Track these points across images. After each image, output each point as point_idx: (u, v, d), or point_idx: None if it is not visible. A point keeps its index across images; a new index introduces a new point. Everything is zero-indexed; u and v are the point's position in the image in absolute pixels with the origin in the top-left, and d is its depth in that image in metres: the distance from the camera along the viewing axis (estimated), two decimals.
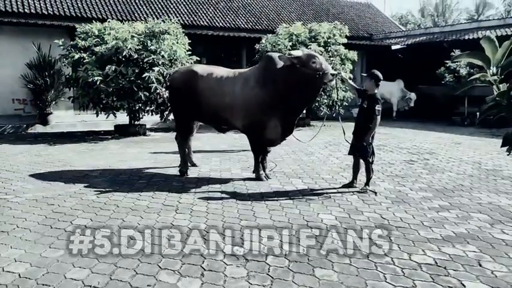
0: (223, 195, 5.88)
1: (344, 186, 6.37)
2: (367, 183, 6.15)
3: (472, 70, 15.10)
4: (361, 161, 6.21)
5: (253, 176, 6.93)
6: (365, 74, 6.22)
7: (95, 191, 6.06)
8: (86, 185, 6.43)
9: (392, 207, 5.35)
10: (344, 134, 6.38)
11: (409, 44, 19.81)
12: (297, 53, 6.33)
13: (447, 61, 15.56)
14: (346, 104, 15.46)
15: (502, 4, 43.41)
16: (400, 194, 6.03)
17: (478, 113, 15.83)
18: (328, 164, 8.17)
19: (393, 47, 20.12)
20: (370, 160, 6.01)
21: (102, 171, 7.38)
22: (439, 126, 15.20)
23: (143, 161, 8.43)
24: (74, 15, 15.72)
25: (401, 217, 4.97)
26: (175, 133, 7.64)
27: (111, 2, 17.45)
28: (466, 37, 17.27)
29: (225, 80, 6.79)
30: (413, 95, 17.97)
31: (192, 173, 7.29)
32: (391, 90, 18.08)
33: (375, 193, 5.97)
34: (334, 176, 7.18)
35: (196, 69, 7.07)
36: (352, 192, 6.09)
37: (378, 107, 5.90)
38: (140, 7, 17.84)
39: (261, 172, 6.81)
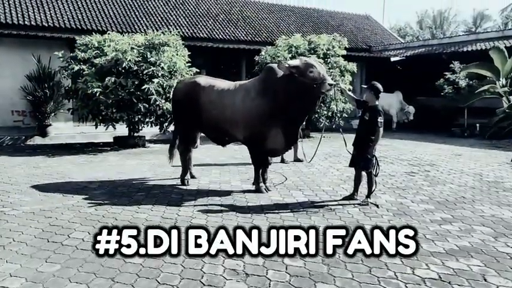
0: (223, 208, 5.81)
1: (345, 198, 6.31)
2: (368, 196, 6.09)
3: (471, 82, 15.13)
4: (363, 173, 6.16)
5: (253, 188, 6.87)
6: (365, 86, 6.20)
7: (93, 203, 6.00)
8: (84, 197, 6.36)
9: (393, 220, 5.29)
10: (346, 145, 6.33)
11: (408, 55, 19.88)
12: (294, 62, 6.32)
13: (446, 73, 15.60)
14: (346, 115, 15.45)
15: (499, 17, 43.69)
16: (401, 206, 5.97)
17: (477, 125, 15.88)
18: (329, 176, 8.11)
19: (392, 59, 20.19)
20: (374, 172, 5.95)
21: (101, 184, 7.32)
22: (439, 137, 15.17)
23: (142, 172, 8.37)
24: (74, 27, 15.79)
25: None
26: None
27: (111, 14, 17.53)
28: (465, 49, 17.33)
29: (226, 92, 6.78)
30: (411, 109, 18.00)
31: (191, 185, 7.24)
32: (389, 102, 18.09)
33: (377, 206, 5.91)
34: (335, 188, 7.12)
35: (199, 81, 7.08)
36: (354, 204, 6.03)
37: (380, 119, 5.86)
38: (140, 19, 17.92)
39: (261, 184, 6.76)
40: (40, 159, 9.99)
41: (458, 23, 49.04)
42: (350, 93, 6.70)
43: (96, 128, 11.94)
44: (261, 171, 6.81)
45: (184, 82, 7.58)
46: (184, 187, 7.05)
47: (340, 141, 13.24)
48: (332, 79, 6.75)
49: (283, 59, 13.11)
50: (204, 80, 7.17)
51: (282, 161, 9.47)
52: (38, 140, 13.56)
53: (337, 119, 14.76)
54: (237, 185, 7.27)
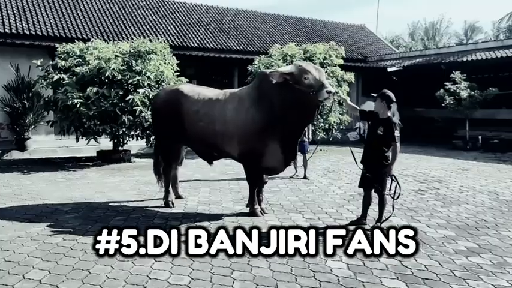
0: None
1: (352, 223, 5.54)
2: (379, 221, 5.33)
3: (473, 92, 14.54)
4: (373, 193, 5.41)
5: (247, 210, 6.09)
6: (375, 94, 5.46)
7: (62, 231, 5.16)
8: (52, 223, 5.53)
9: None
10: (356, 162, 5.56)
11: (406, 66, 19.31)
12: (287, 68, 5.61)
13: (447, 83, 15.00)
14: (343, 127, 14.79)
15: (491, 30, 43.75)
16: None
17: (479, 137, 15.25)
18: (330, 195, 7.36)
19: (389, 69, 19.62)
20: (395, 197, 5.17)
21: (75, 206, 6.49)
22: (440, 150, 14.51)
23: (124, 192, 7.56)
24: (58, 35, 14.96)
25: (426, 265, 4.14)
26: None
27: (97, 22, 16.77)
28: (465, 59, 16.79)
29: (214, 102, 6.01)
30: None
31: (178, 206, 6.44)
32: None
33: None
34: (339, 209, 6.36)
35: (182, 88, 6.31)
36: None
37: (397, 133, 5.13)
38: (128, 27, 17.19)
39: (256, 206, 5.97)
40: (13, 176, 9.14)
41: (450, 35, 49.08)
42: (350, 102, 5.91)
43: (77, 141, 11.10)
44: (256, 190, 6.03)
45: (165, 90, 6.82)
46: (169, 210, 6.25)
47: (338, 155, 12.52)
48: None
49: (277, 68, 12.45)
50: (188, 87, 6.40)
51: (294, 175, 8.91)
52: (15, 155, 12.68)
53: (333, 132, 14.10)
54: (229, 207, 6.48)
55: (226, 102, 5.94)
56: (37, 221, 5.63)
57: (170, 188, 6.59)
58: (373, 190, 5.34)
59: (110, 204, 6.63)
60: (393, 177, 5.20)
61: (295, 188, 7.91)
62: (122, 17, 17.83)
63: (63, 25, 15.71)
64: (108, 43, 11.25)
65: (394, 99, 5.30)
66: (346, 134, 18.17)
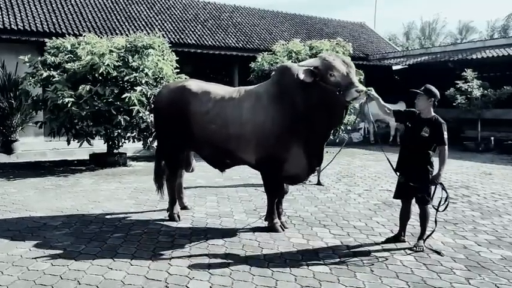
0: (230, 259, 4.24)
1: (388, 240, 4.79)
2: (421, 237, 4.59)
3: (486, 91, 13.86)
4: (412, 205, 4.67)
5: (264, 224, 5.31)
6: (417, 90, 4.70)
7: (50, 254, 4.35)
8: (39, 242, 4.71)
9: (474, 279, 3.78)
10: (393, 168, 4.80)
11: (411, 64, 18.61)
12: (310, 62, 4.83)
13: (458, 81, 14.31)
14: (349, 128, 14.05)
15: (486, 29, 43.54)
16: (468, 252, 4.47)
17: (492, 138, 14.59)
18: (353, 204, 6.60)
19: (394, 67, 18.93)
20: (440, 209, 4.45)
21: (67, 219, 5.67)
22: (452, 152, 13.60)
23: (121, 201, 6.74)
24: (48, 31, 14.03)
25: None
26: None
27: (89, 18, 15.89)
28: (474, 56, 16.11)
29: (227, 100, 5.22)
30: None
31: (184, 219, 5.65)
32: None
33: (438, 253, 4.41)
34: (367, 222, 5.60)
35: (189, 85, 5.51)
36: (405, 250, 4.51)
37: (446, 134, 4.41)
38: (122, 23, 16.33)
39: (276, 220, 5.19)
40: None
41: (445, 35, 48.86)
42: (382, 101, 5.08)
43: (68, 144, 10.21)
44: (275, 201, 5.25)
45: (169, 87, 5.97)
46: (174, 224, 5.45)
47: (347, 158, 11.78)
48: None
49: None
50: (195, 84, 5.57)
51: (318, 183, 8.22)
52: (1, 158, 11.75)
53: (340, 132, 13.35)
54: (242, 219, 5.70)
55: (241, 101, 5.15)
56: (21, 239, 4.81)
57: (176, 199, 5.79)
58: (421, 204, 4.57)
59: (106, 216, 5.81)
60: (442, 186, 4.46)
61: (311, 196, 7.15)
62: (115, 12, 16.96)
63: (54, 20, 14.82)
64: (101, 38, 10.41)
65: (439, 96, 4.55)
66: (349, 135, 17.47)
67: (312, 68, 4.66)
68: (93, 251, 4.43)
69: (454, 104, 14.31)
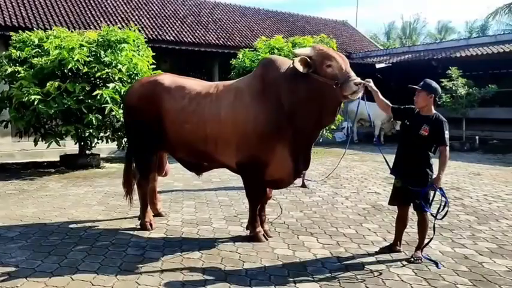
0: (207, 276, 3.74)
1: (383, 250, 4.35)
2: (419, 247, 4.16)
3: (471, 90, 13.64)
4: (409, 211, 4.24)
5: (246, 233, 4.82)
6: (416, 86, 4.28)
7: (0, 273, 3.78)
8: None
9: None
10: (390, 168, 4.35)
11: (394, 62, 18.37)
12: (305, 51, 4.35)
13: (443, 80, 14.05)
14: (334, 127, 13.67)
15: (464, 30, 44.07)
16: (470, 264, 4.06)
17: (477, 137, 14.40)
18: (340, 209, 6.16)
19: (377, 66, 18.63)
20: (438, 217, 4.03)
21: (25, 229, 5.07)
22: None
23: (89, 208, 6.17)
24: (16, 25, 13.25)
25: None
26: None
27: (61, 12, 15.14)
28: (458, 54, 15.92)
29: (204, 96, 4.71)
30: None
31: (157, 227, 5.12)
32: (375, 111, 16.40)
33: (436, 264, 3.98)
34: (358, 229, 5.16)
35: (162, 80, 4.98)
36: (401, 261, 4.08)
37: (447, 134, 4.00)
38: (97, 18, 15.61)
39: (259, 229, 4.70)
40: None
41: (425, 34, 49.28)
42: (381, 96, 4.63)
43: (35, 145, 9.54)
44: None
45: (140, 82, 5.42)
46: (146, 234, 4.92)
47: (331, 158, 11.37)
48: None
49: None
50: (169, 78, 5.03)
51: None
52: None
53: (324, 131, 12.95)
54: (222, 227, 5.20)
55: (219, 97, 4.64)
56: None
57: (148, 206, 5.24)
58: (418, 210, 4.14)
59: (71, 226, 5.24)
60: (441, 191, 4.04)
61: (296, 200, 6.69)
62: (90, 6, 16.23)
63: (23, 14, 14.02)
64: (72, 31, 9.78)
65: (440, 92, 4.14)
66: (333, 134, 17.11)
67: (307, 58, 4.19)
68: (49, 267, 3.88)
69: (439, 102, 13.99)
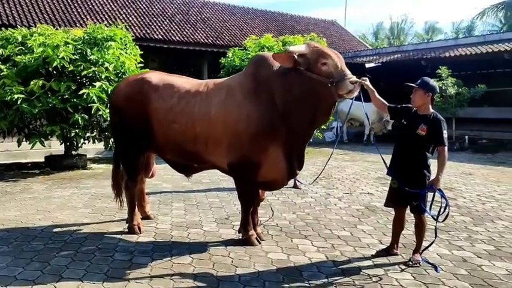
0: (198, 282, 3.58)
1: (379, 253, 4.23)
2: (417, 250, 4.04)
3: (461, 89, 13.65)
4: (406, 213, 4.12)
5: (238, 236, 4.67)
6: (412, 84, 4.16)
7: None
8: None
9: None
10: (387, 168, 4.21)
11: (384, 61, 18.35)
12: (299, 48, 4.21)
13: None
14: (324, 126, 13.56)
15: (451, 31, 44.55)
16: (470, 267, 3.95)
17: (466, 137, 14.42)
18: (334, 210, 6.03)
19: (367, 65, 18.60)
20: (439, 219, 3.92)
21: (7, 234, 4.85)
22: None
23: (75, 210, 5.95)
24: (0, 22, 12.99)
25: None
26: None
27: (47, 9, 14.83)
28: (447, 54, 15.94)
29: (194, 95, 4.53)
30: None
31: (146, 231, 4.93)
32: (365, 111, 16.34)
33: (435, 267, 3.87)
34: (353, 231, 5.04)
35: (149, 78, 4.79)
36: (399, 265, 3.95)
37: (445, 133, 3.89)
38: (83, 16, 15.32)
39: (251, 232, 4.54)
40: None
41: (412, 35, 49.64)
42: (378, 95, 4.50)
43: (18, 146, 9.24)
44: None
45: (127, 80, 5.21)
46: (134, 237, 4.73)
47: (321, 158, 11.26)
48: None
49: None
50: (157, 76, 4.84)
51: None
52: None
53: (314, 131, 12.84)
54: (213, 231, 5.03)
55: (210, 95, 4.47)
56: None
57: (136, 208, 5.05)
58: (416, 212, 4.02)
59: (55, 230, 5.02)
60: (440, 193, 3.93)
61: (288, 201, 6.55)
62: (75, 4, 15.94)
63: (7, 11, 13.71)
64: (57, 29, 9.51)
65: (438, 91, 4.03)
66: (323, 134, 17.03)
67: (292, 53, 4.05)
68: (32, 275, 3.67)
69: None
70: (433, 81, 4.08)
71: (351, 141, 16.38)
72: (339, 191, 7.43)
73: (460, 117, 14.68)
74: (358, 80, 4.02)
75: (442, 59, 15.80)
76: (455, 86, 13.69)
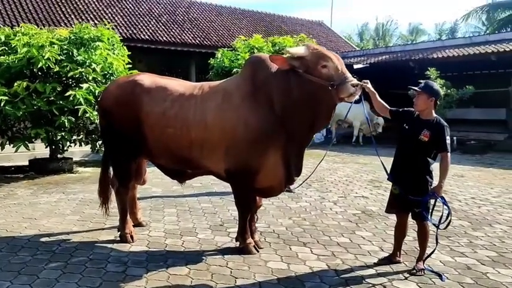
0: None
1: (382, 261, 4.11)
2: (421, 258, 3.94)
3: (449, 91, 13.69)
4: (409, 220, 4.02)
5: (234, 244, 4.51)
6: (415, 88, 4.07)
7: None
8: None
9: None
10: (387, 174, 4.10)
11: (372, 63, 18.34)
12: (298, 50, 4.08)
13: (421, 81, 14.04)
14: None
15: (434, 32, 45.12)
16: (475, 275, 3.86)
17: (454, 138, 14.45)
18: (330, 215, 5.92)
19: (355, 66, 18.57)
20: (441, 226, 3.83)
21: None
22: None
23: (63, 218, 5.72)
24: None
25: None
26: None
27: (30, 9, 14.47)
28: (435, 55, 16.00)
29: (188, 98, 4.36)
30: (381, 120, 16.31)
31: (139, 239, 4.75)
32: (355, 112, 16.30)
33: (440, 276, 3.76)
34: (351, 237, 4.92)
35: (141, 80, 4.60)
36: (403, 274, 3.85)
37: (448, 139, 3.80)
38: (67, 16, 15.00)
39: (249, 240, 4.39)
40: None
41: (396, 36, 50.06)
42: (379, 98, 4.38)
43: (2, 149, 8.95)
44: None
45: (118, 82, 5.03)
46: (127, 247, 4.54)
47: (312, 160, 11.15)
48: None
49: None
50: (149, 78, 4.64)
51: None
52: None
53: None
54: (208, 238, 4.87)
55: (205, 99, 4.31)
56: None
57: (128, 216, 4.86)
58: (418, 219, 3.92)
59: (42, 239, 4.80)
60: (442, 200, 3.84)
61: (283, 206, 6.41)
62: (60, 3, 15.60)
63: None
64: (41, 29, 9.24)
65: (441, 95, 3.95)
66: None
67: (289, 56, 3.93)
68: None
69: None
70: (437, 86, 4.01)
71: (340, 143, 16.31)
72: (333, 194, 7.33)
73: (449, 118, 14.71)
74: (359, 82, 3.91)
75: (430, 60, 15.84)
76: (444, 88, 13.71)
